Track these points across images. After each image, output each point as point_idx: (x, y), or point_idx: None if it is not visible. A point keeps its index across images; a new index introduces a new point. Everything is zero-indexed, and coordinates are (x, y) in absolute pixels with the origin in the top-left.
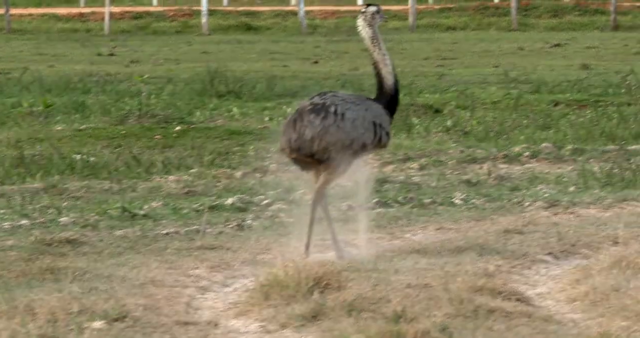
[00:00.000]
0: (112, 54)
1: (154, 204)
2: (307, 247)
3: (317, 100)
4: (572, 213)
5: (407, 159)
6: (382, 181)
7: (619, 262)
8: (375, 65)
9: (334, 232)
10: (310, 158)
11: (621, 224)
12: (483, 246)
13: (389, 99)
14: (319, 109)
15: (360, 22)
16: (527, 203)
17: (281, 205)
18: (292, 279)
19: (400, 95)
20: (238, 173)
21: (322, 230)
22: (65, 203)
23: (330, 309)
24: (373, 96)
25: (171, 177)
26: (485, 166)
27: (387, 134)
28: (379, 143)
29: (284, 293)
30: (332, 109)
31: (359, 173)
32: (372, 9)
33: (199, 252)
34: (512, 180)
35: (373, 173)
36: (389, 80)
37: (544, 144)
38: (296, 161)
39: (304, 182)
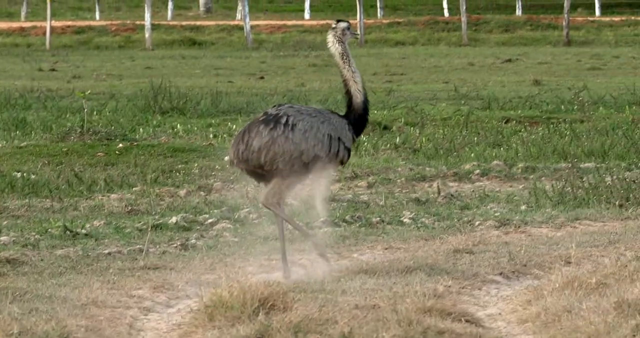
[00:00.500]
0: (53, 70)
1: (96, 223)
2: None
3: (271, 111)
4: (523, 232)
5: (355, 176)
6: (328, 200)
7: (571, 282)
8: (345, 83)
9: (284, 251)
10: (260, 169)
11: (573, 244)
12: (432, 266)
13: (357, 117)
14: (270, 120)
15: (330, 38)
16: (477, 223)
17: (226, 224)
18: (236, 300)
19: None
20: (182, 192)
21: (268, 249)
22: (5, 222)
23: (276, 331)
24: (341, 112)
25: (114, 195)
26: (435, 184)
27: (347, 149)
28: (336, 157)
29: (229, 315)
30: (284, 119)
31: (316, 191)
32: (343, 24)
33: (142, 272)
34: (462, 198)
35: (329, 191)
36: (357, 98)
37: (494, 162)
38: (248, 173)
39: (250, 201)
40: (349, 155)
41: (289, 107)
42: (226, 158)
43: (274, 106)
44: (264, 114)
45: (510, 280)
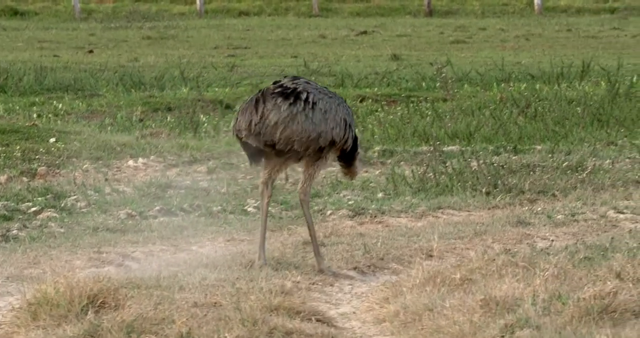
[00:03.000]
0: None
1: None
2: (317, 253)
3: (287, 83)
4: (380, 222)
5: (194, 161)
6: (165, 186)
7: (433, 277)
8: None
9: (314, 239)
10: (270, 148)
11: (435, 235)
12: (279, 260)
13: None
14: (289, 94)
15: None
16: (329, 212)
17: (51, 213)
18: (63, 297)
19: (186, 89)
20: (2, 177)
21: (98, 240)
22: None
23: (106, 331)
24: None
25: None
26: None
27: (354, 138)
28: (344, 144)
29: (55, 313)
30: (304, 96)
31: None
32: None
33: None
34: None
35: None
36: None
37: None
38: (248, 147)
39: (79, 187)
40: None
41: (305, 82)
42: (231, 125)
43: (288, 77)
44: (279, 86)
45: (365, 275)
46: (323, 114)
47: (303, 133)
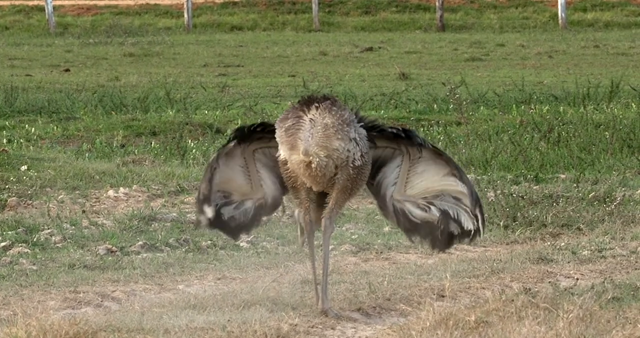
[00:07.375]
0: None
1: None
2: (324, 291)
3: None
4: (386, 259)
5: (181, 190)
6: (148, 219)
7: (445, 320)
8: None
9: (326, 274)
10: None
11: (448, 273)
12: (275, 300)
13: None
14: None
15: None
16: (330, 247)
17: (23, 248)
18: None
19: (172, 112)
20: None
21: (74, 279)
22: None
23: None
24: None
25: None
26: None
27: None
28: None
29: None
30: None
31: None
32: None
33: None
34: None
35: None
36: None
37: None
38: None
39: (53, 220)
40: None
41: None
42: None
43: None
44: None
45: (370, 317)
46: None
47: None
